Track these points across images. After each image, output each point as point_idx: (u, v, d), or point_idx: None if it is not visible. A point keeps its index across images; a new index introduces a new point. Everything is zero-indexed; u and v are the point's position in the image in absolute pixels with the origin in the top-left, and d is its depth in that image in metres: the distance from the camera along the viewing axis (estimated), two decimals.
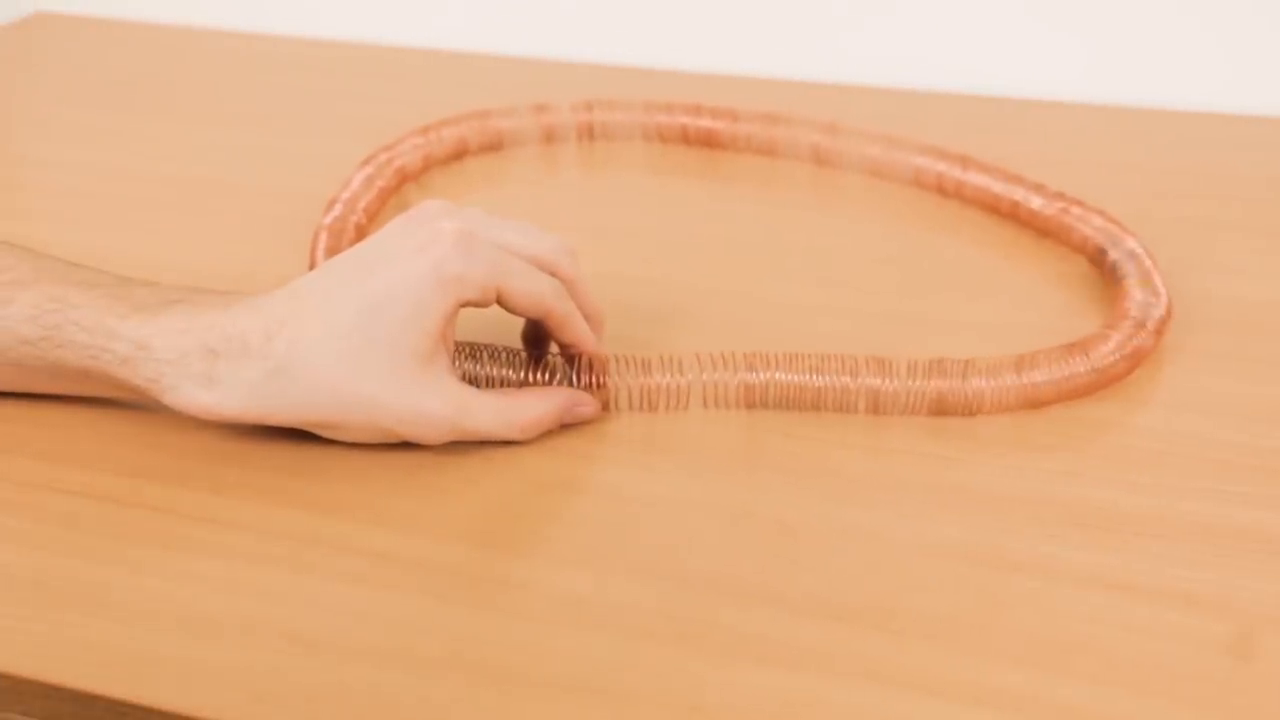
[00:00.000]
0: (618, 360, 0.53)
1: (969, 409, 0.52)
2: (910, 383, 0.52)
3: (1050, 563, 0.46)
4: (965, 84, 0.85)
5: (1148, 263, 0.59)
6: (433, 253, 0.48)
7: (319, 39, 0.97)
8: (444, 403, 0.49)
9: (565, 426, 0.52)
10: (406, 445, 0.50)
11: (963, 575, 0.45)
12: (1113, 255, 0.60)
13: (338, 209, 0.67)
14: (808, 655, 0.42)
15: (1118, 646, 0.42)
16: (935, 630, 0.43)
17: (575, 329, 0.52)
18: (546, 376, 0.53)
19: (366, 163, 0.72)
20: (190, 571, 0.46)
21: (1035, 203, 0.66)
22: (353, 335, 0.48)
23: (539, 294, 0.50)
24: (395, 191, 0.72)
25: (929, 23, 0.87)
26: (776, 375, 0.53)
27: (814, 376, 0.53)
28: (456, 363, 0.52)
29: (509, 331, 0.54)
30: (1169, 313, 0.57)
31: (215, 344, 0.48)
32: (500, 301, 0.50)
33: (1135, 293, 0.57)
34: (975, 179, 0.68)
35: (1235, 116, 0.80)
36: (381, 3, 0.97)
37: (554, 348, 0.54)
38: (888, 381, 0.52)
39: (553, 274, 0.51)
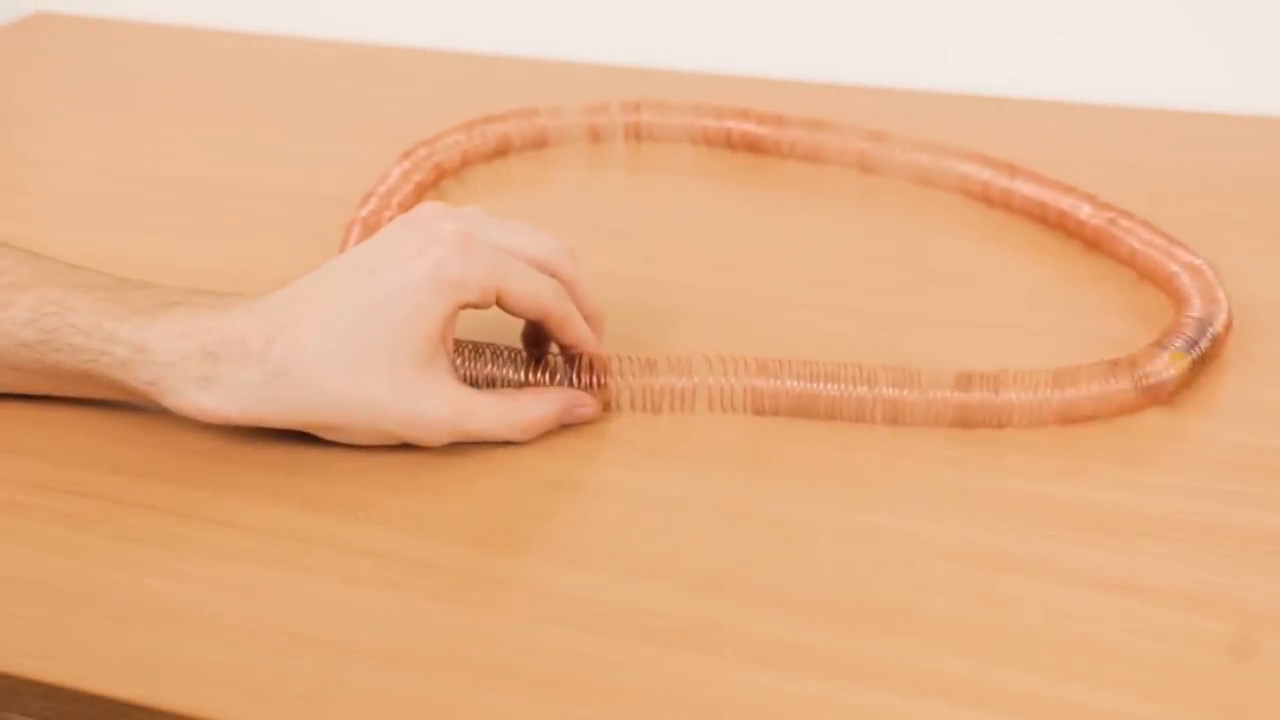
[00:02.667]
0: (620, 360, 0.53)
1: (993, 422, 0.51)
2: (930, 394, 0.51)
3: (1051, 563, 0.45)
4: (964, 84, 0.85)
5: (1210, 277, 0.58)
6: (432, 255, 0.48)
7: (319, 39, 0.97)
8: (444, 405, 0.49)
9: (565, 427, 0.52)
10: (406, 446, 0.50)
11: (964, 576, 0.45)
12: (1171, 268, 0.59)
13: (373, 203, 0.67)
14: (809, 656, 0.42)
15: (1118, 646, 0.42)
16: (936, 630, 0.43)
17: (575, 330, 0.51)
18: (547, 377, 0.53)
19: (405, 156, 0.72)
20: (190, 571, 0.46)
21: (1083, 212, 0.64)
22: (352, 338, 0.48)
23: (538, 295, 0.50)
24: (433, 186, 0.72)
25: (927, 22, 0.87)
26: (787, 382, 0.52)
27: (827, 385, 0.52)
28: (458, 361, 0.52)
29: (509, 332, 0.54)
30: (1228, 325, 0.55)
31: (214, 347, 0.48)
32: (499, 303, 0.50)
33: (1196, 308, 0.56)
34: (1022, 187, 0.67)
35: (1235, 116, 0.80)
36: (384, 3, 0.97)
37: (554, 348, 0.53)
38: (904, 392, 0.52)
39: (552, 275, 0.51)
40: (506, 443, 0.51)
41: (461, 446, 0.50)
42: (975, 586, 0.45)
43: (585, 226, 0.68)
